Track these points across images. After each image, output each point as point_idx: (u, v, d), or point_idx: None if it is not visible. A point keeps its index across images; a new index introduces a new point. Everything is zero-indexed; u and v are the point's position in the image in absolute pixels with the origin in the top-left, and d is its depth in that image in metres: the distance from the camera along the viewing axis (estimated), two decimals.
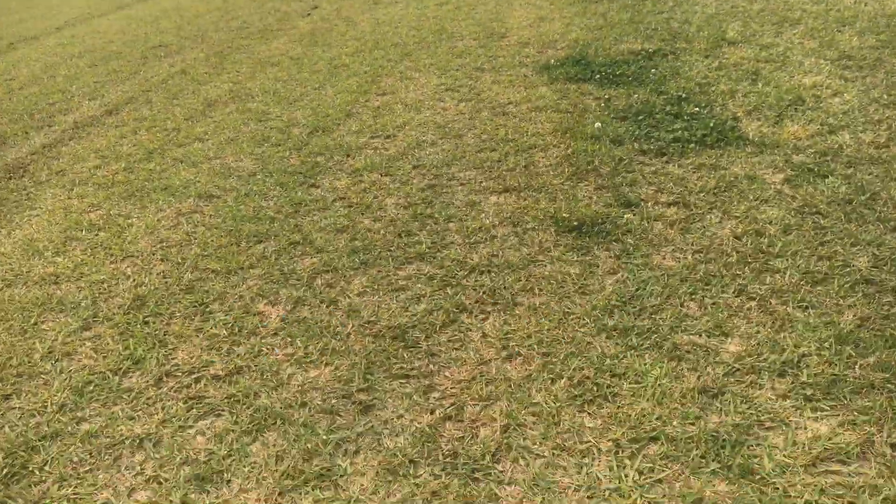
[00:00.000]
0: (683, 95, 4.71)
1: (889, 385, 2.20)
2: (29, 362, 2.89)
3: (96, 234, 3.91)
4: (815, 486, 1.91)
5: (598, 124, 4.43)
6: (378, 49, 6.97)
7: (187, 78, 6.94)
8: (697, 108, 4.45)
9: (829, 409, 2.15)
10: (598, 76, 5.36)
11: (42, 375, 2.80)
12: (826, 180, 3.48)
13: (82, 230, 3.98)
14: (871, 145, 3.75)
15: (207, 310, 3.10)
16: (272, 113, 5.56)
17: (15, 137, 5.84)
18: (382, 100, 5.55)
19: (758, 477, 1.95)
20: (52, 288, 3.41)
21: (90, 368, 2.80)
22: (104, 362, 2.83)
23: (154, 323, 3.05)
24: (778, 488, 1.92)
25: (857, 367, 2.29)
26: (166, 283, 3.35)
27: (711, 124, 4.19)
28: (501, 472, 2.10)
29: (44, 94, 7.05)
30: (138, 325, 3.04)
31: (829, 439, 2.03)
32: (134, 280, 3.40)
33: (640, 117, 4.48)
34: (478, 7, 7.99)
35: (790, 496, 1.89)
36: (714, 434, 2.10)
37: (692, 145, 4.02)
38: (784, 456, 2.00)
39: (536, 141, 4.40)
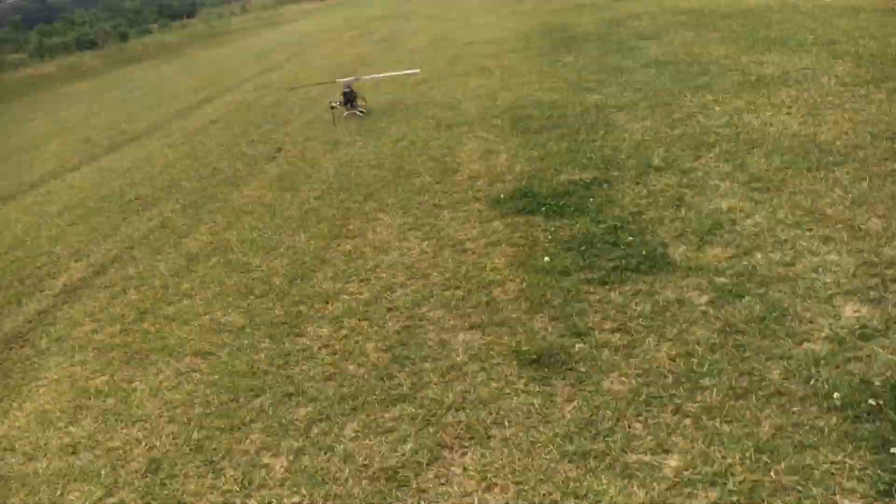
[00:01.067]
0: (619, 224, 5.36)
1: (798, 487, 2.69)
2: None
3: (104, 401, 4.29)
4: None
5: (546, 258, 5.02)
6: (343, 191, 7.60)
7: (167, 231, 7.45)
8: (631, 238, 5.09)
9: None
10: (544, 208, 6.01)
11: None
12: (743, 300, 4.07)
13: (90, 398, 4.35)
14: (779, 264, 4.38)
15: (218, 467, 3.49)
16: (252, 263, 6.07)
17: (9, 306, 6.23)
18: (352, 243, 6.10)
19: None
20: (72, 458, 3.77)
21: None
22: None
23: (171, 484, 3.42)
24: None
25: (772, 472, 2.78)
26: (176, 444, 3.73)
27: (644, 252, 4.81)
28: None
29: (29, 257, 7.48)
30: (157, 488, 3.41)
31: None
32: (146, 444, 3.77)
33: (583, 248, 5.10)
34: (430, 143, 8.76)
35: None
36: None
37: (629, 273, 4.62)
38: None
39: (494, 276, 4.97)
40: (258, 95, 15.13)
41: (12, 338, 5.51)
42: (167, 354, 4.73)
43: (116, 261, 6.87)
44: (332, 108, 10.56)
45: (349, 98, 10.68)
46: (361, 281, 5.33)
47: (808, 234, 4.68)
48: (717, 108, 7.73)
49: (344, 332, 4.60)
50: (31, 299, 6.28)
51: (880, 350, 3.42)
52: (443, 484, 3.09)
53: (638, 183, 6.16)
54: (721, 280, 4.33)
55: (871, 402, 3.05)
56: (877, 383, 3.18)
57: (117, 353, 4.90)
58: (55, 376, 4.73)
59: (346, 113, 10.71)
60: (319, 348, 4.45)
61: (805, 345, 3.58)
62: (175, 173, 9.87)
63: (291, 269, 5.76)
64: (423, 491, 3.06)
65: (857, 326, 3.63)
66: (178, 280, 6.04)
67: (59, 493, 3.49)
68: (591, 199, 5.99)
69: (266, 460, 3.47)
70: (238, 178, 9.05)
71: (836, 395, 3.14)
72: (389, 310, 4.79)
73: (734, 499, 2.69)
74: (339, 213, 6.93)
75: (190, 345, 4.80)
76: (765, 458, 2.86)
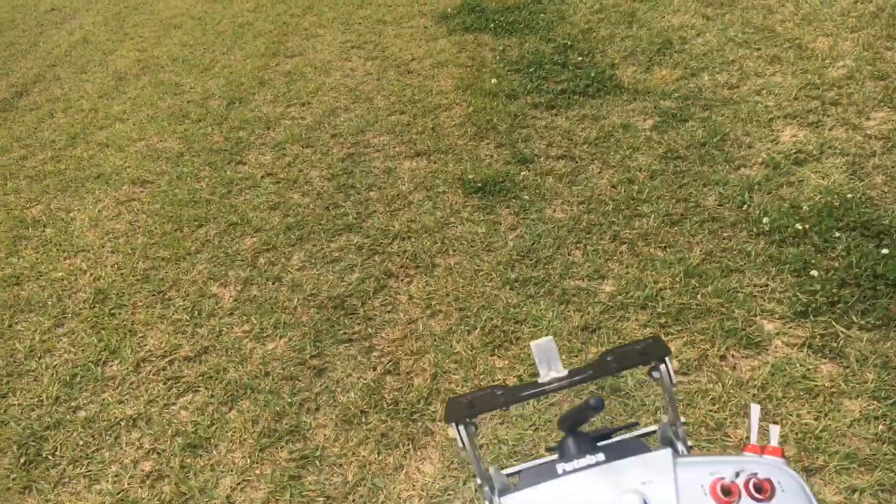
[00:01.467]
0: (569, 43, 5.20)
1: (722, 309, 2.87)
2: (14, 362, 3.28)
3: (43, 231, 4.21)
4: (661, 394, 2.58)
5: (493, 80, 4.89)
6: (280, 2, 7.12)
7: (91, 47, 6.95)
8: (581, 58, 4.96)
9: (676, 332, 2.81)
10: (492, 24, 5.77)
11: (30, 373, 3.21)
12: (686, 124, 4.09)
13: (28, 227, 4.26)
14: (724, 87, 4.36)
15: (166, 297, 3.53)
16: (186, 84, 5.77)
17: None
18: (292, 63, 5.82)
19: (622, 393, 2.61)
20: (16, 289, 3.75)
21: (72, 362, 3.23)
22: (83, 355, 3.25)
23: (120, 314, 3.46)
24: (633, 397, 2.58)
25: (699, 295, 2.95)
26: (122, 274, 3.73)
27: (593, 74, 4.71)
28: (433, 411, 2.69)
29: None
30: (106, 318, 3.45)
31: (676, 357, 2.70)
32: (91, 274, 3.77)
33: (532, 69, 4.96)
34: None
35: (644, 404, 2.55)
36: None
37: (577, 96, 4.55)
38: (642, 374, 2.66)
39: (441, 100, 4.84)
40: None
41: None
42: (104, 182, 4.60)
43: (39, 80, 6.44)
44: None
45: None
46: (303, 105, 5.15)
47: (755, 53, 4.62)
48: None
49: (287, 159, 4.51)
50: None
51: (812, 175, 3.52)
52: (389, 311, 3.20)
53: None
54: (667, 104, 4.31)
55: (798, 226, 3.19)
56: (805, 208, 3.31)
57: (51, 180, 4.74)
58: None
59: None
60: (262, 176, 4.37)
61: (742, 170, 3.66)
62: None
63: (228, 91, 5.50)
64: (370, 318, 3.17)
65: (792, 151, 3.71)
66: (107, 102, 5.73)
67: (6, 324, 3.51)
68: (542, 15, 5.75)
69: (214, 290, 3.52)
70: None
71: (765, 219, 3.27)
72: (333, 136, 4.68)
73: (662, 321, 2.87)
74: (276, 29, 6.53)
75: (127, 172, 4.66)
76: (693, 282, 3.02)
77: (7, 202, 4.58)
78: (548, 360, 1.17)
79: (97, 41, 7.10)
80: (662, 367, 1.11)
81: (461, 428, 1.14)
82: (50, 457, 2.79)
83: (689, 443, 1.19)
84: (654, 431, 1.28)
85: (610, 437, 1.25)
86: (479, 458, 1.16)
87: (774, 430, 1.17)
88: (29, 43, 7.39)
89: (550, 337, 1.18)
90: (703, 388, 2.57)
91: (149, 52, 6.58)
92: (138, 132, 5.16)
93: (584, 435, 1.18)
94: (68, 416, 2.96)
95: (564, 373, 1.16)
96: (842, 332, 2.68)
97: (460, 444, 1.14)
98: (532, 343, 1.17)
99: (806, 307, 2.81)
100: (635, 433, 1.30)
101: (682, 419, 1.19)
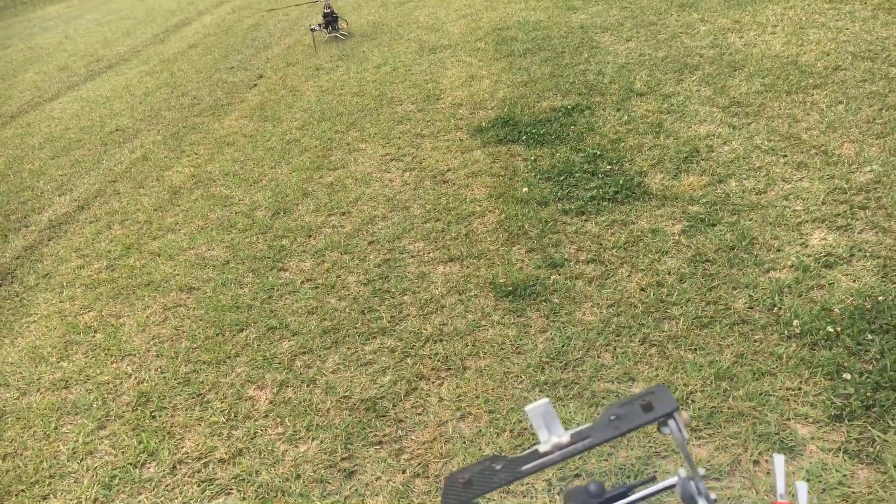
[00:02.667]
0: (598, 153, 5.39)
1: (754, 413, 2.84)
2: (57, 463, 3.38)
3: (93, 336, 4.41)
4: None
5: (525, 189, 5.07)
6: (325, 120, 7.55)
7: (149, 164, 7.42)
8: (610, 166, 5.13)
9: (708, 436, 2.78)
10: (524, 136, 6.02)
11: (72, 475, 3.30)
12: (714, 228, 4.15)
13: (79, 333, 4.46)
14: (752, 192, 4.45)
15: (205, 399, 3.63)
16: (235, 197, 6.10)
17: None
18: (334, 175, 6.12)
19: None
20: (64, 392, 3.90)
21: (112, 464, 3.31)
22: (123, 457, 3.34)
23: (160, 416, 3.56)
24: None
25: (730, 398, 2.93)
26: (164, 377, 3.86)
27: (621, 181, 4.86)
28: None
29: (13, 192, 7.46)
30: (147, 420, 3.55)
31: (708, 462, 2.66)
32: (135, 378, 3.91)
33: (562, 177, 5.14)
34: (413, 68, 8.64)
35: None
36: (621, 468, 2.72)
37: (606, 203, 4.68)
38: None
39: (474, 208, 5.03)
40: (237, 17, 14.74)
41: (2, 275, 5.58)
42: (153, 290, 4.82)
43: (100, 195, 6.88)
44: (313, 31, 10.34)
45: (330, 20, 10.44)
46: (343, 214, 5.39)
47: (782, 160, 4.72)
48: (703, 28, 7.62)
49: (326, 265, 4.68)
50: (17, 235, 6.32)
51: (842, 277, 3.53)
52: (419, 413, 3.24)
53: (619, 109, 6.14)
54: (695, 209, 4.40)
55: (830, 329, 3.18)
56: (836, 310, 3.30)
57: (104, 288, 4.98)
58: (45, 312, 4.83)
59: (326, 36, 10.50)
60: (302, 282, 4.54)
61: (771, 273, 3.68)
62: (155, 103, 9.73)
63: (274, 203, 5.79)
64: (401, 420, 3.21)
65: (822, 254, 3.73)
66: (161, 214, 6.07)
67: (53, 426, 3.64)
68: (573, 127, 5.99)
69: (251, 393, 3.61)
70: (218, 107, 8.94)
71: (796, 322, 3.26)
72: (371, 243, 4.87)
73: (693, 424, 2.84)
74: (321, 144, 6.91)
75: (175, 280, 4.89)
76: (724, 384, 3.00)
77: (62, 309, 4.82)
78: (547, 424, 1.10)
79: (156, 158, 7.58)
80: (672, 422, 1.05)
81: None
82: None
83: (713, 496, 1.11)
84: (674, 485, 1.19)
85: (627, 496, 1.16)
86: None
87: (803, 489, 1.11)
88: (93, 161, 7.93)
89: (547, 399, 1.11)
90: (737, 493, 2.52)
91: (202, 167, 7.00)
92: (188, 242, 5.43)
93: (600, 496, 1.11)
94: None
95: (567, 437, 1.08)
96: (878, 436, 2.62)
97: None
98: (527, 408, 1.08)
99: (840, 411, 2.77)
100: (654, 489, 1.21)
101: (702, 472, 1.12)
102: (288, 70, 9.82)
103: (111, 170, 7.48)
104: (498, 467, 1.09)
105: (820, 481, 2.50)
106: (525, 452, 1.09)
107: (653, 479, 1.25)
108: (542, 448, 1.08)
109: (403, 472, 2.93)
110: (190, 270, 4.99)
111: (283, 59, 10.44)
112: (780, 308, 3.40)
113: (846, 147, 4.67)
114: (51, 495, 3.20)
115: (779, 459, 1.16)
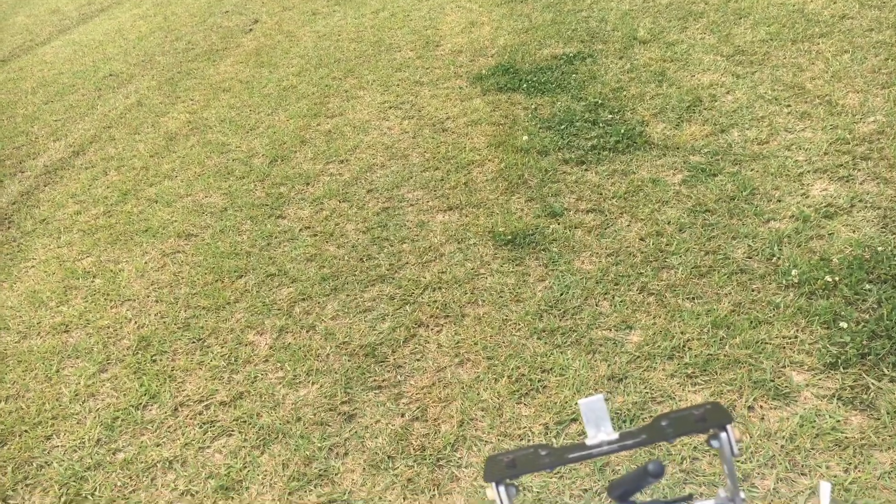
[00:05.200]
0: (599, 101, 5.32)
1: (750, 360, 2.87)
2: (59, 405, 3.42)
3: (92, 281, 4.41)
4: (689, 444, 2.57)
5: (525, 137, 5.02)
6: (322, 67, 7.43)
7: (144, 110, 7.33)
8: (611, 115, 5.08)
9: (703, 383, 2.81)
10: (525, 84, 5.94)
11: (74, 416, 3.33)
12: (715, 179, 4.13)
13: (78, 278, 4.47)
14: (754, 142, 4.41)
15: (205, 344, 3.65)
16: (232, 144, 6.04)
17: None
18: (332, 122, 6.06)
19: None
20: (64, 336, 3.92)
21: (114, 406, 3.35)
22: (125, 399, 3.37)
23: (161, 360, 3.59)
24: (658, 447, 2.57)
25: (727, 346, 2.95)
26: (164, 322, 3.88)
27: (623, 130, 4.81)
28: (459, 458, 2.72)
29: (7, 137, 7.38)
30: (147, 364, 3.58)
31: None
32: (135, 322, 3.92)
33: (563, 126, 5.09)
34: (412, 14, 8.47)
35: (671, 454, 2.55)
36: (617, 412, 2.75)
37: (606, 152, 4.65)
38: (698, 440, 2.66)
39: (474, 157, 4.99)
40: None
41: None
42: (151, 236, 4.81)
43: (95, 140, 6.80)
44: None
45: None
46: (341, 162, 5.34)
47: (785, 110, 4.68)
48: None
49: (324, 213, 4.67)
50: (13, 181, 6.27)
51: (842, 228, 3.53)
52: (418, 359, 3.26)
53: (622, 57, 6.05)
54: (696, 159, 4.37)
55: (828, 278, 3.19)
56: (835, 260, 3.31)
57: (102, 234, 4.97)
58: (43, 257, 4.82)
59: None
60: (301, 230, 4.53)
61: (771, 223, 3.68)
62: (149, 47, 9.56)
63: (271, 150, 5.74)
64: (400, 366, 3.24)
65: (822, 205, 3.72)
66: (158, 161, 6.02)
67: (54, 369, 3.66)
68: (574, 75, 5.90)
69: (251, 338, 3.63)
70: (214, 52, 8.79)
71: (794, 271, 3.27)
72: (369, 191, 4.84)
73: (689, 371, 2.87)
74: (318, 91, 6.81)
75: (173, 226, 4.87)
76: (721, 333, 3.03)
77: (60, 255, 4.81)
78: (597, 420, 1.09)
79: (151, 104, 7.48)
80: (723, 435, 1.01)
81: (501, 489, 1.06)
82: (89, 496, 2.88)
83: None
84: None
85: None
86: None
87: (825, 489, 1.09)
88: (87, 106, 7.82)
89: (601, 395, 1.10)
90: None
91: (198, 114, 6.91)
92: (185, 188, 5.40)
93: None
94: (108, 458, 3.06)
95: (615, 435, 1.07)
96: (872, 383, 2.66)
97: None
98: (580, 401, 1.09)
99: (836, 359, 2.80)
100: None
101: (742, 494, 1.10)
102: (284, 15, 9.63)
103: (106, 115, 7.39)
104: (543, 453, 1.09)
105: (813, 427, 2.54)
106: (571, 445, 1.09)
107: (689, 498, 1.24)
108: (589, 441, 1.08)
109: (402, 415, 2.97)
110: (188, 217, 4.96)
111: (278, 3, 10.23)
112: (778, 258, 3.41)
113: (850, 97, 4.62)
114: (54, 435, 3.24)
115: (825, 487, 1.14)
